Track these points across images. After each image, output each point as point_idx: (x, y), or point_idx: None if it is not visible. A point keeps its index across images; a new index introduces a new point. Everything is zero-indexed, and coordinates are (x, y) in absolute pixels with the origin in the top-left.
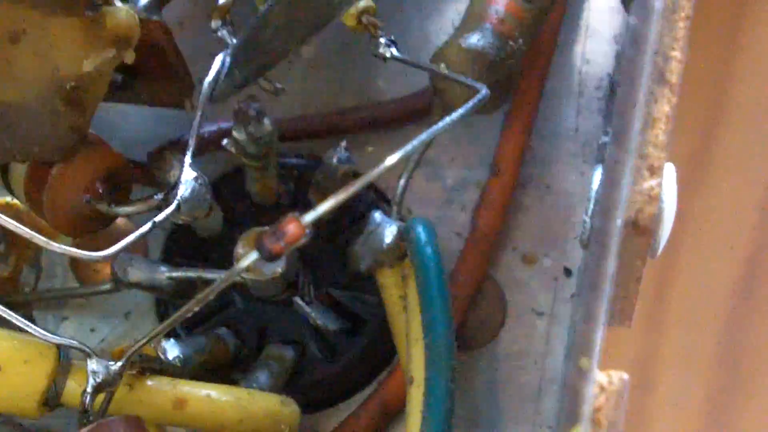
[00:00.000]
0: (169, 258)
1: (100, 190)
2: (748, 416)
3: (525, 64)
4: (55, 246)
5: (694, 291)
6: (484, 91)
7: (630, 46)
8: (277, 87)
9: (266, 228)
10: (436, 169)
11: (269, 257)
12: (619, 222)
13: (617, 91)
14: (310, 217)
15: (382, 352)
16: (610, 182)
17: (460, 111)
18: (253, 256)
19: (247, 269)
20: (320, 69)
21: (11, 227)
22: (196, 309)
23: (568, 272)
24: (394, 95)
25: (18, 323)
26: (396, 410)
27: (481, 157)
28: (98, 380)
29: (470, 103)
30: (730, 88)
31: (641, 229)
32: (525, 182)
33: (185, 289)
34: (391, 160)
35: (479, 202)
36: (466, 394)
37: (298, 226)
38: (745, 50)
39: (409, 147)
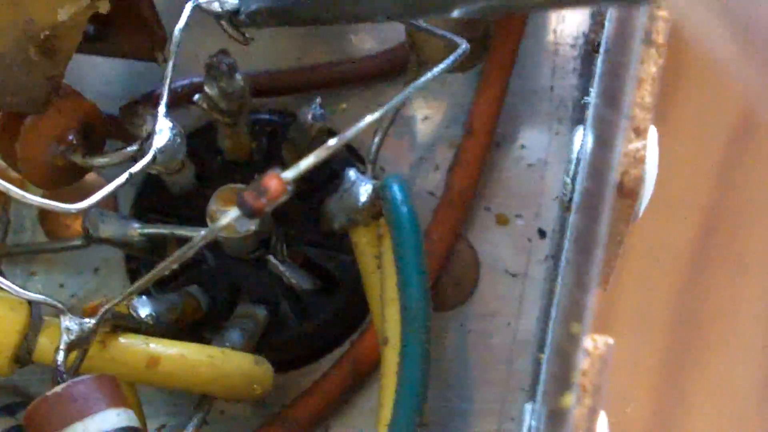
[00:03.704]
0: (140, 214)
1: (75, 141)
2: (701, 377)
3: (500, 21)
4: (31, 198)
5: (650, 251)
6: (464, 45)
7: (620, 5)
8: (246, 36)
9: (240, 185)
10: (410, 128)
11: (250, 214)
12: (611, 185)
13: (606, 50)
14: (291, 173)
15: (355, 312)
16: (601, 144)
17: (441, 66)
18: (234, 213)
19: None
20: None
21: None
22: (174, 267)
23: (542, 233)
24: (366, 51)
25: None
26: (368, 370)
27: (454, 116)
28: (72, 338)
29: (451, 58)
30: (687, 45)
31: (626, 192)
32: (499, 142)
33: (157, 246)
34: (373, 116)
35: (454, 161)
36: (438, 355)
37: (279, 182)
38: None
39: (392, 103)
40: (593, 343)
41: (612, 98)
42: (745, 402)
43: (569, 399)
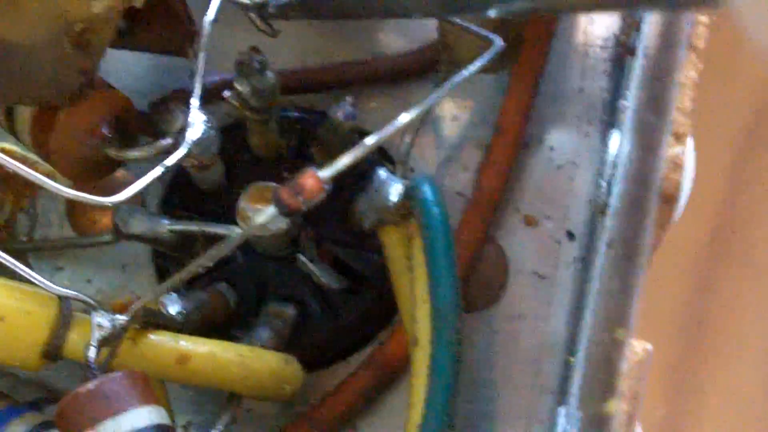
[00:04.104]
0: (167, 211)
1: (108, 134)
2: (712, 379)
3: (531, 22)
4: (66, 191)
5: (659, 256)
6: (498, 42)
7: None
8: (274, 28)
9: (269, 183)
10: (438, 128)
11: (287, 213)
12: (655, 191)
13: (647, 55)
14: (328, 172)
15: (383, 311)
16: (645, 149)
17: (477, 63)
18: (271, 211)
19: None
20: (322, 22)
21: (22, 172)
22: (209, 264)
23: (571, 235)
24: (395, 49)
25: (24, 274)
26: (397, 370)
27: (483, 116)
28: (103, 334)
29: (487, 55)
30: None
31: (666, 197)
32: (528, 143)
33: (185, 243)
34: (410, 115)
35: (483, 162)
36: (466, 356)
37: (316, 181)
38: None
39: (429, 101)
40: (631, 348)
41: (657, 104)
42: (757, 404)
43: (613, 405)
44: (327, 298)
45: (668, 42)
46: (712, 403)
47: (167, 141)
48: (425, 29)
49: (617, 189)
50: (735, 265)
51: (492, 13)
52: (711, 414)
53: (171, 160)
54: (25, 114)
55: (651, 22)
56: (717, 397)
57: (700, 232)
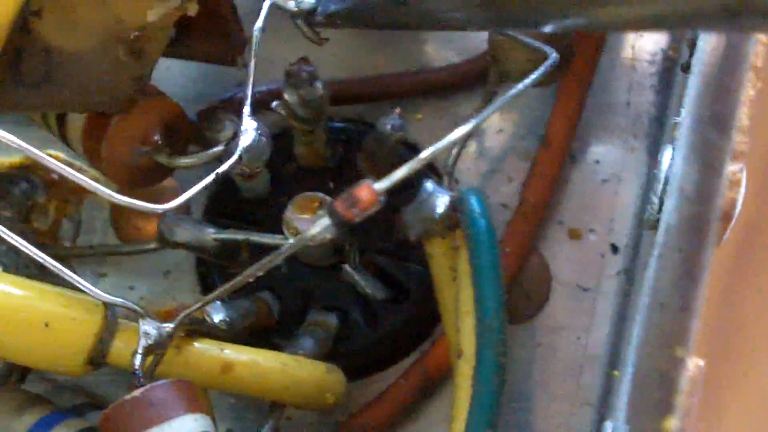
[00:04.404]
0: (211, 219)
1: (159, 142)
2: (738, 388)
3: (580, 36)
4: (118, 198)
5: None
6: (553, 55)
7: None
8: (321, 37)
9: (316, 193)
10: (484, 140)
11: (341, 224)
12: (717, 209)
13: (705, 72)
14: (383, 184)
15: (425, 322)
16: (705, 167)
17: (533, 75)
18: (325, 222)
19: (295, 234)
20: (369, 33)
21: (76, 178)
22: (260, 274)
23: (614, 248)
24: (442, 61)
25: (72, 281)
26: (438, 380)
27: (528, 128)
28: (150, 342)
29: (542, 68)
30: None
31: (723, 214)
32: (574, 156)
33: (229, 251)
34: (466, 127)
35: (528, 174)
36: (507, 367)
37: (371, 193)
38: None
39: (483, 114)
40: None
41: (717, 123)
42: None
43: (670, 422)
44: (370, 307)
45: (728, 61)
46: (738, 413)
47: (219, 148)
48: (473, 42)
49: (670, 204)
50: (763, 279)
51: (547, 28)
52: (736, 424)
53: (224, 167)
54: (77, 121)
55: (708, 40)
56: (743, 408)
57: (728, 248)
